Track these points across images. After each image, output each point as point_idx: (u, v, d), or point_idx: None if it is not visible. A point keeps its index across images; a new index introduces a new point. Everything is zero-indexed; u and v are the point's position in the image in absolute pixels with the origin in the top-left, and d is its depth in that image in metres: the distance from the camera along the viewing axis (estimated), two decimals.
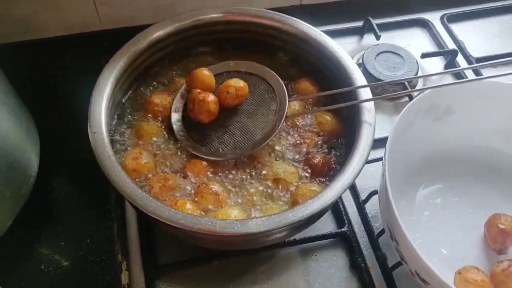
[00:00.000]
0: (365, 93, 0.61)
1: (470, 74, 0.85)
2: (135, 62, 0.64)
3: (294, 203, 0.57)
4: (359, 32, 0.90)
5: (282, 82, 0.64)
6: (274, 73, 0.65)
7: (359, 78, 0.63)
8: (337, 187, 0.53)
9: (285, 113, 0.61)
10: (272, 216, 0.51)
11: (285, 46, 0.68)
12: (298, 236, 0.63)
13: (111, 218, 0.66)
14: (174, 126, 0.63)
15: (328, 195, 0.52)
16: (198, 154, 0.61)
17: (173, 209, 0.51)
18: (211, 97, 0.61)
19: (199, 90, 0.62)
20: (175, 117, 0.64)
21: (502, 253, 0.60)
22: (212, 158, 0.60)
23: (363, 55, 0.82)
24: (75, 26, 0.84)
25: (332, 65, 0.65)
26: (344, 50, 0.65)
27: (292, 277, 0.63)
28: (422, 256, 0.50)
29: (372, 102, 0.61)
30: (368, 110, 0.60)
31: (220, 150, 0.61)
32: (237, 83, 0.62)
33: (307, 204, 0.52)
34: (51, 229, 0.66)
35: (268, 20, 0.68)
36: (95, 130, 0.55)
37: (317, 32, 0.67)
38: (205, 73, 0.63)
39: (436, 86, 0.62)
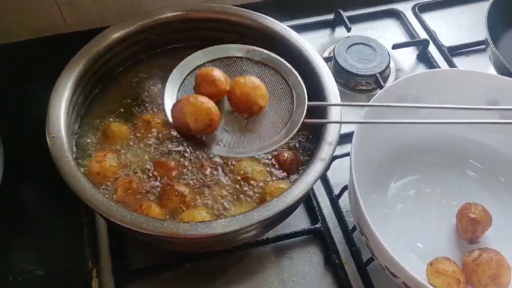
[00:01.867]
0: (334, 96, 0.60)
1: (443, 64, 0.84)
2: (96, 63, 0.63)
3: (262, 201, 0.56)
4: (330, 25, 0.89)
5: (303, 84, 0.57)
6: (296, 72, 0.58)
7: (324, 71, 0.62)
8: (303, 184, 0.52)
9: (303, 118, 0.55)
10: (237, 216, 0.50)
11: (249, 41, 0.66)
12: (271, 234, 0.62)
13: (81, 225, 0.64)
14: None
15: (294, 193, 0.51)
16: (199, 149, 0.55)
17: (135, 214, 0.49)
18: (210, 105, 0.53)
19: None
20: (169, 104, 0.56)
21: (474, 242, 0.59)
22: (215, 153, 0.56)
23: (334, 48, 0.81)
24: (41, 29, 0.82)
25: (299, 59, 0.64)
26: (308, 43, 0.64)
27: (267, 276, 0.62)
28: (390, 251, 0.49)
29: (338, 95, 0.60)
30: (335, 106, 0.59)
31: (222, 146, 0.55)
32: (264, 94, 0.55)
33: (273, 202, 0.51)
34: (20, 239, 0.64)
35: (231, 16, 0.67)
36: (54, 134, 0.54)
37: (282, 27, 0.66)
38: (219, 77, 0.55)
39: None
